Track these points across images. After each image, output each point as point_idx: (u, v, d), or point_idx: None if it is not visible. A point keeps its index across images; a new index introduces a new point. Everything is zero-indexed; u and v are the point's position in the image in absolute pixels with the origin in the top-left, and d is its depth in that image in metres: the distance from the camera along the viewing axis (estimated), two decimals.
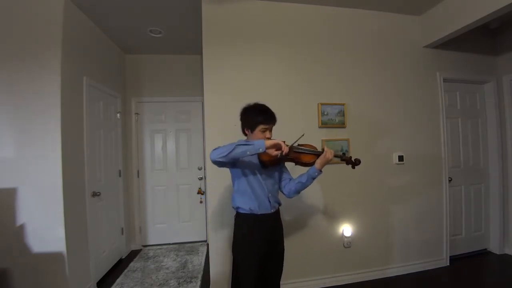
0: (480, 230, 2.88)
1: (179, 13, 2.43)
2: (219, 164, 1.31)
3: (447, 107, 2.71)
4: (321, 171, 1.43)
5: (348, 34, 2.45)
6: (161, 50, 3.29)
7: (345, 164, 1.56)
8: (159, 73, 3.41)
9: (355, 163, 1.49)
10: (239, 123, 1.53)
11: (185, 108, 3.48)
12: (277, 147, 1.25)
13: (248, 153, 1.25)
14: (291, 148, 1.40)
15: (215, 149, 1.30)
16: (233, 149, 1.24)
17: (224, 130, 2.13)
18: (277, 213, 1.54)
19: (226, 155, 1.24)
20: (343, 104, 2.37)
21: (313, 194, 2.29)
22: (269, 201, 1.45)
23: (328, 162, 1.41)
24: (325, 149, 1.41)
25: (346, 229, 2.36)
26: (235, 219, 1.50)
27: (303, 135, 1.44)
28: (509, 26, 2.66)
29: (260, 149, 1.24)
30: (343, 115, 2.37)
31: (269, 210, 1.46)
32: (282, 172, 1.58)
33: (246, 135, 1.52)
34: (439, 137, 2.63)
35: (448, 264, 2.60)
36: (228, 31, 2.23)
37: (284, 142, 1.28)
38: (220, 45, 2.21)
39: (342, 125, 2.37)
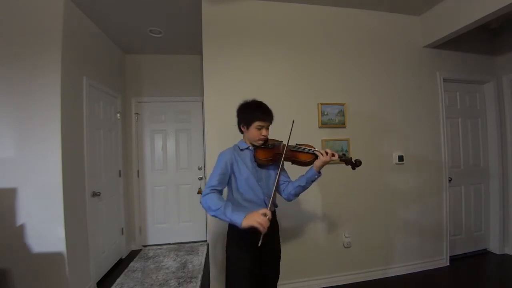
0: (480, 230, 2.88)
1: (179, 13, 2.43)
2: None
3: (447, 107, 2.71)
4: (320, 173, 1.39)
5: (348, 34, 2.45)
6: (161, 50, 3.29)
7: (344, 164, 1.51)
8: (159, 73, 3.41)
9: (355, 164, 1.39)
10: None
11: (185, 108, 3.48)
12: (255, 227, 1.16)
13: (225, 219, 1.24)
14: (287, 147, 1.38)
15: (206, 195, 1.28)
16: (216, 211, 1.23)
17: (224, 130, 2.13)
18: (273, 215, 1.48)
19: (208, 210, 1.25)
20: (343, 104, 2.37)
21: (312, 194, 2.28)
22: (266, 205, 1.38)
23: (326, 163, 1.37)
24: (322, 150, 1.36)
25: (346, 229, 2.36)
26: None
27: (293, 121, 1.42)
28: (509, 26, 2.66)
29: (238, 223, 1.18)
30: (343, 115, 2.37)
31: None
32: (280, 175, 1.50)
33: (242, 132, 1.48)
34: (439, 137, 2.63)
35: (448, 264, 2.60)
36: (228, 31, 2.23)
37: (268, 209, 1.19)
38: (220, 45, 2.21)
39: (342, 125, 2.37)
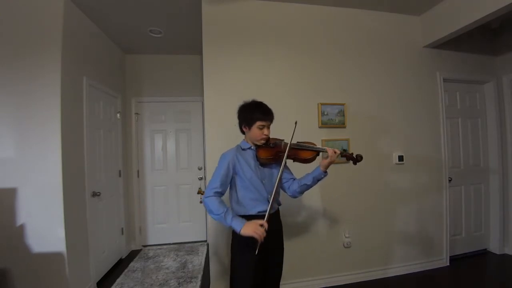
0: (480, 230, 2.88)
1: (179, 13, 2.43)
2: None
3: (447, 107, 2.71)
4: (326, 172, 1.43)
5: (348, 34, 2.45)
6: (161, 50, 3.29)
7: (345, 164, 1.54)
8: (159, 73, 3.41)
9: (356, 159, 1.45)
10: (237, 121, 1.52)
11: (185, 108, 3.48)
12: (253, 236, 1.24)
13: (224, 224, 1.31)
14: (289, 145, 1.40)
15: (208, 197, 1.34)
16: (218, 215, 1.30)
17: (224, 130, 2.13)
18: (276, 213, 1.53)
19: (209, 213, 1.33)
20: (343, 104, 2.37)
21: (313, 194, 2.28)
22: (269, 203, 1.39)
23: (332, 162, 1.39)
24: (328, 150, 1.39)
25: (346, 229, 2.36)
26: None
27: (296, 122, 1.42)
28: (509, 26, 2.66)
29: (237, 230, 1.27)
30: (343, 115, 2.37)
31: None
32: (283, 172, 1.54)
33: (243, 133, 1.50)
34: (439, 137, 2.63)
35: (448, 264, 2.60)
36: (228, 31, 2.23)
37: (265, 221, 1.27)
38: (220, 45, 2.21)
39: (342, 125, 2.37)
